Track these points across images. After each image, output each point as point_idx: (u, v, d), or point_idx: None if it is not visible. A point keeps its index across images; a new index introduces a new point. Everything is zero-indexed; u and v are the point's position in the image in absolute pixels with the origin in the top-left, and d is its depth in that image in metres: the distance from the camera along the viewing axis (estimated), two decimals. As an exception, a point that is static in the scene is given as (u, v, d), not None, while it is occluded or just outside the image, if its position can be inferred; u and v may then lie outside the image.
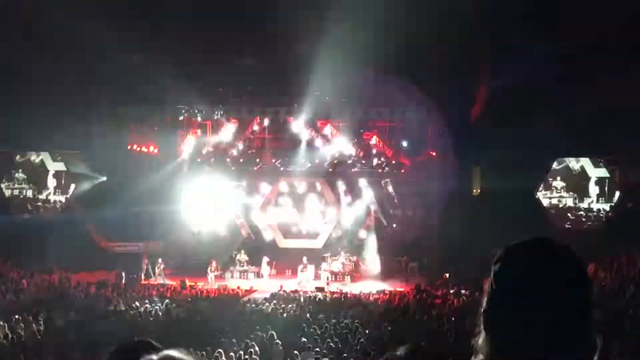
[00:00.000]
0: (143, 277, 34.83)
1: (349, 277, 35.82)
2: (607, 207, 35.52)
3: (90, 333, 17.15)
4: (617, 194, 34.98)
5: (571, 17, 31.04)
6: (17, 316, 19.61)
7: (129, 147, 37.40)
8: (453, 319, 20.58)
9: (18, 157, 37.52)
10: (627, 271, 25.85)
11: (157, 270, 35.32)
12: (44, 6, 30.97)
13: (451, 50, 33.56)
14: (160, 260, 35.67)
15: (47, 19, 31.64)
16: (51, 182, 38.03)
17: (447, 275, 32.89)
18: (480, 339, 2.02)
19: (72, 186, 37.92)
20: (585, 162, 36.17)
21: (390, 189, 39.12)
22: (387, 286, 33.14)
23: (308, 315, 22.01)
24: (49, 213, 37.72)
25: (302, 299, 27.16)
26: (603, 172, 35.64)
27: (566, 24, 31.36)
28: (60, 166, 38.45)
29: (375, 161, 38.90)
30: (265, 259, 36.36)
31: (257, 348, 15.22)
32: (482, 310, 2.02)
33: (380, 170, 38.75)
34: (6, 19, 31.51)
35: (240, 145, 39.38)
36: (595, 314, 1.96)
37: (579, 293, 1.94)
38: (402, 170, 38.47)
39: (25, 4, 32.29)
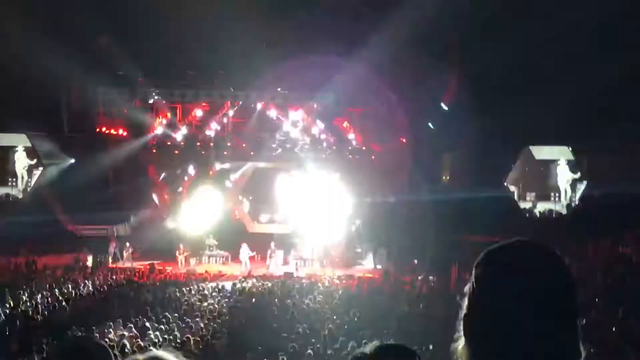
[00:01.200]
0: (111, 260, 34.65)
1: (317, 262, 35.87)
2: (573, 195, 35.77)
3: (56, 316, 17.08)
4: (584, 182, 35.25)
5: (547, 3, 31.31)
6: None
7: (97, 129, 37.05)
8: (421, 305, 20.74)
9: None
10: (593, 260, 26.15)
11: (125, 254, 35.16)
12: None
13: (424, 37, 33.61)
14: (127, 244, 35.51)
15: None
16: (20, 163, 37.43)
17: (416, 261, 33.03)
18: (460, 345, 1.98)
19: (40, 168, 37.39)
20: (553, 151, 36.35)
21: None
22: (355, 272, 33.24)
23: (276, 300, 22.06)
24: (15, 195, 37.26)
25: (270, 284, 27.17)
26: (571, 161, 35.85)
27: (542, 10, 31.62)
28: (26, 148, 37.86)
29: (346, 147, 38.87)
30: (244, 245, 36.06)
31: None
32: (462, 314, 1.98)
33: (350, 156, 38.75)
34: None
35: (211, 130, 39.12)
36: (579, 321, 1.91)
37: (564, 300, 1.89)
38: (373, 157, 38.51)
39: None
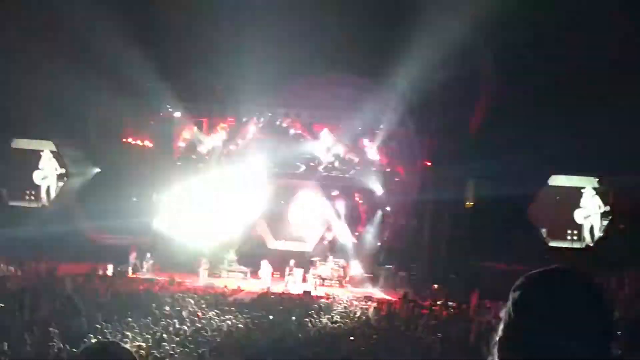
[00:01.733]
0: (131, 270, 34.71)
1: (337, 282, 35.77)
2: (599, 227, 35.41)
3: (75, 324, 17.13)
4: (610, 213, 34.92)
5: (575, 29, 31.17)
6: (2, 305, 19.58)
7: (123, 140, 37.30)
8: (440, 330, 20.58)
9: (14, 144, 37.15)
10: (615, 294, 25.86)
11: (145, 265, 35.24)
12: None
13: (449, 61, 33.60)
14: (148, 254, 35.59)
15: (48, 9, 31.74)
16: (45, 170, 37.61)
17: (436, 286, 32.85)
18: None
19: (64, 176, 37.59)
20: (580, 181, 36.05)
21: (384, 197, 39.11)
22: (374, 293, 33.11)
23: (294, 318, 21.98)
24: (39, 202, 37.51)
25: (288, 302, 27.09)
26: (598, 192, 35.47)
27: (569, 37, 31.51)
28: (53, 155, 37.98)
29: (369, 168, 38.79)
30: (265, 261, 36.10)
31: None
32: (497, 338, 1.96)
33: (374, 177, 38.66)
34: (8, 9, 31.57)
35: (235, 145, 39.21)
36: (617, 347, 1.89)
37: (602, 326, 1.88)
38: (396, 179, 38.41)
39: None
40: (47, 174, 37.47)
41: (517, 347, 1.89)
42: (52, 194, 37.78)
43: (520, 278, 1.98)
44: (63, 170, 37.02)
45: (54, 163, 37.16)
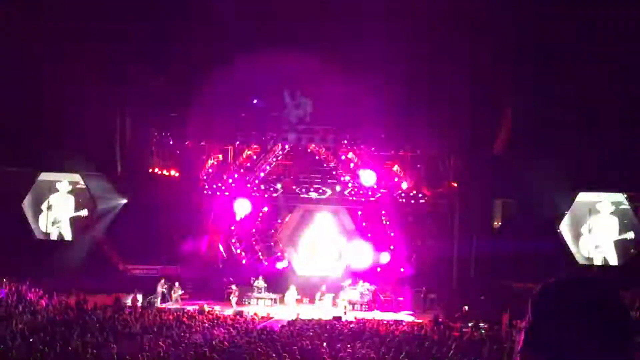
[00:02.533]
0: (159, 301, 34.79)
1: (366, 306, 35.64)
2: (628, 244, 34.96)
3: (106, 355, 17.16)
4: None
5: (595, 47, 31.10)
6: (34, 337, 19.68)
7: (150, 170, 37.54)
8: (472, 352, 20.39)
9: (40, 177, 37.31)
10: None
11: (174, 295, 35.32)
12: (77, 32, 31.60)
13: (474, 81, 33.62)
14: (177, 284, 35.69)
15: (74, 41, 32.20)
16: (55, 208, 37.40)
17: (466, 308, 32.62)
18: None
19: (90, 207, 37.65)
20: (608, 197, 35.67)
21: (411, 219, 39.05)
22: (404, 317, 32.94)
23: (324, 344, 21.88)
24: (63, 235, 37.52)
25: (318, 328, 27.00)
26: (624, 207, 34.99)
27: (590, 54, 31.43)
28: (78, 187, 37.95)
29: (396, 191, 38.71)
30: (292, 287, 36.24)
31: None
32: (518, 348, 1.97)
33: (400, 200, 38.58)
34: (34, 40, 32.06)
35: (262, 172, 39.37)
36: (635, 349, 1.91)
37: (621, 333, 1.88)
38: (423, 201, 38.31)
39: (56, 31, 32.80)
40: (59, 212, 37.15)
41: (537, 353, 1.89)
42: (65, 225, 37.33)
43: (538, 286, 1.99)
44: (90, 202, 37.01)
45: (72, 191, 37.00)
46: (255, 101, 37.83)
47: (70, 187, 36.96)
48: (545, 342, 1.89)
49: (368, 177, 38.47)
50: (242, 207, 39.12)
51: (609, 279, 30.10)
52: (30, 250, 34.32)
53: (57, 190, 36.84)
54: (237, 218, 39.38)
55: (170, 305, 34.34)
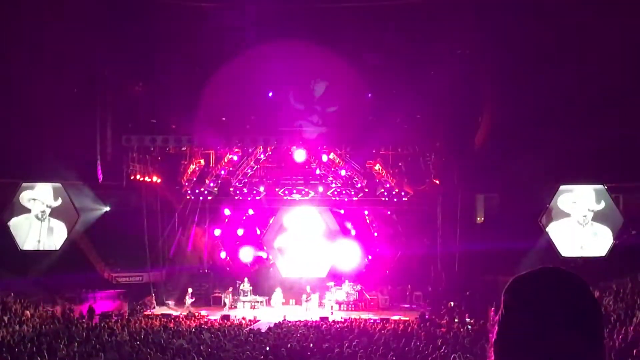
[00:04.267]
0: (155, 305, 34.85)
1: (353, 306, 35.72)
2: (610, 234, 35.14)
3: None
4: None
5: (576, 43, 31.33)
6: (20, 348, 19.59)
7: (132, 177, 37.39)
8: (459, 347, 20.48)
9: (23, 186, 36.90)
10: (631, 298, 25.75)
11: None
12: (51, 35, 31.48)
13: (454, 76, 33.74)
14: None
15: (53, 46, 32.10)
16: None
17: (452, 304, 32.76)
18: None
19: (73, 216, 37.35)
20: (589, 189, 35.85)
21: (394, 217, 39.17)
22: (391, 315, 33.03)
23: (312, 345, 21.93)
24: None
25: (305, 329, 27.05)
26: (606, 199, 35.14)
27: (572, 50, 31.65)
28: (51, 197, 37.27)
29: (378, 189, 38.76)
30: (278, 289, 36.42)
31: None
32: (492, 340, 2.01)
33: (383, 199, 38.65)
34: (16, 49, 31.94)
35: (243, 176, 39.31)
36: (606, 344, 1.95)
37: (590, 322, 1.92)
38: (406, 199, 38.40)
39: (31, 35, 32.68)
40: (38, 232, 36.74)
41: (510, 345, 1.94)
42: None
43: (510, 280, 2.03)
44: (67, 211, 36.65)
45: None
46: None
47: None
48: (517, 334, 1.92)
49: (350, 177, 38.55)
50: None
51: (580, 271, 30.42)
52: (14, 261, 34.08)
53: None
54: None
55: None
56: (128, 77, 36.70)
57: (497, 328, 2.01)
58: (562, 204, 34.62)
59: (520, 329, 1.92)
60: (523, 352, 1.89)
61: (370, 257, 39.23)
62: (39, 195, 35.82)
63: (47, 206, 35.79)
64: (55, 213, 35.82)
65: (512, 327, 1.95)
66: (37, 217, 35.83)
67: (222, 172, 38.91)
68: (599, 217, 34.26)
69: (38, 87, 32.39)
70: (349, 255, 38.92)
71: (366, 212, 39.90)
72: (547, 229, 34.21)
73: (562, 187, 34.57)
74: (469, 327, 26.98)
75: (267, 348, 21.05)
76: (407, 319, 31.11)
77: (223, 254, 39.92)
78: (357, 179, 38.56)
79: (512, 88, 33.52)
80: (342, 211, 40.03)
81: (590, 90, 31.23)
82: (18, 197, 35.57)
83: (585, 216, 34.46)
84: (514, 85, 33.44)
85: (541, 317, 1.89)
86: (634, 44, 30.35)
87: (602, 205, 34.20)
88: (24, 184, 35.52)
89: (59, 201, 35.77)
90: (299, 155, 37.91)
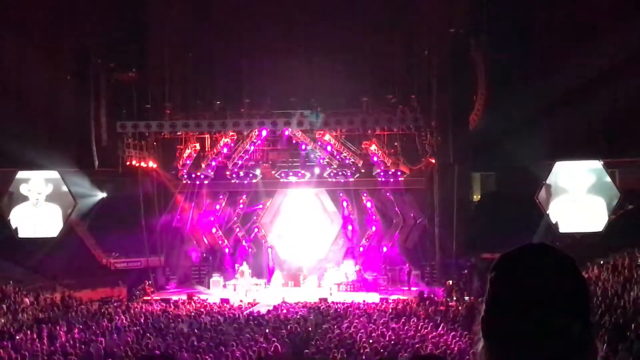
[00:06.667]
0: (147, 291, 34.82)
1: (352, 286, 35.76)
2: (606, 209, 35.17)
3: (94, 350, 17.16)
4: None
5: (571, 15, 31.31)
6: (20, 335, 19.63)
7: (127, 162, 37.30)
8: (457, 325, 20.58)
9: (19, 175, 36.73)
10: (629, 273, 25.83)
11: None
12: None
13: (448, 56, 33.69)
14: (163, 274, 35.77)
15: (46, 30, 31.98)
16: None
17: (450, 282, 32.86)
18: (480, 346, 2.01)
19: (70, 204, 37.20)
20: (585, 165, 35.83)
21: (391, 197, 39.16)
22: (390, 295, 33.09)
23: (311, 327, 21.99)
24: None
25: (305, 310, 27.09)
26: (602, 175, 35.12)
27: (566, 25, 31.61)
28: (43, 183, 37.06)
29: (374, 170, 38.74)
30: (277, 271, 36.49)
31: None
32: (480, 317, 2.02)
33: (380, 180, 38.63)
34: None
35: (240, 159, 39.23)
36: (593, 319, 1.96)
37: (577, 298, 1.92)
38: (402, 178, 38.38)
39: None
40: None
41: (497, 323, 1.94)
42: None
43: (498, 257, 2.04)
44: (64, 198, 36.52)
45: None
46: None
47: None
48: (503, 311, 1.93)
49: (346, 157, 38.54)
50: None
51: (578, 246, 30.50)
52: (13, 249, 34.09)
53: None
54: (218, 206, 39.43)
55: (156, 296, 34.36)
56: (120, 63, 36.64)
57: (484, 305, 2.01)
58: (559, 181, 34.68)
59: (506, 306, 1.92)
60: (509, 329, 1.90)
61: (368, 238, 39.22)
62: (33, 187, 35.83)
63: (40, 194, 35.82)
64: (50, 198, 35.82)
65: (498, 304, 1.95)
66: (32, 204, 35.86)
67: (218, 156, 38.86)
68: (595, 191, 34.33)
69: (31, 75, 32.32)
70: (347, 235, 39.02)
71: (364, 196, 39.82)
72: (544, 206, 34.28)
73: (557, 164, 34.61)
74: (467, 304, 27.04)
75: (267, 330, 21.10)
76: (405, 298, 31.18)
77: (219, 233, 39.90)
78: (353, 160, 38.52)
79: (507, 66, 33.52)
80: (340, 193, 39.91)
81: (584, 66, 31.23)
82: (15, 186, 35.55)
83: (580, 193, 34.57)
84: (509, 63, 33.44)
85: (527, 294, 1.89)
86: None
87: (599, 181, 34.25)
88: (17, 177, 35.52)
89: (50, 187, 35.77)
90: (295, 137, 38.01)
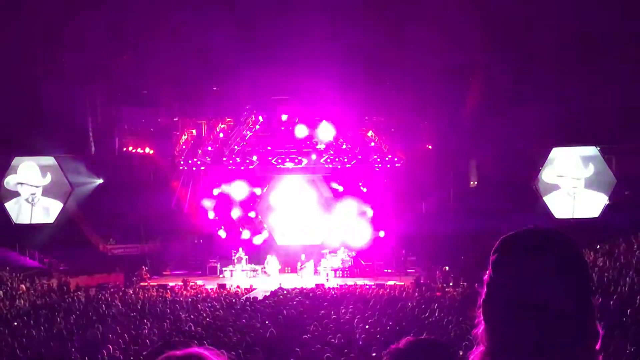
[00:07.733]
0: (144, 277, 34.84)
1: (348, 272, 35.81)
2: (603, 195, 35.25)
3: (91, 336, 17.16)
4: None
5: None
6: (17, 321, 19.65)
7: (124, 148, 37.29)
8: (453, 311, 20.60)
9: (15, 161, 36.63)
10: (625, 258, 25.88)
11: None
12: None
13: (445, 41, 33.64)
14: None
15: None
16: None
17: (447, 268, 32.89)
18: (481, 329, 2.01)
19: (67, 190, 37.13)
20: (582, 151, 35.87)
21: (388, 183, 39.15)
22: (386, 280, 33.14)
23: (306, 313, 22.01)
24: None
25: (301, 296, 27.12)
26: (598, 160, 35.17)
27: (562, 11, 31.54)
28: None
29: (372, 156, 38.74)
30: (273, 257, 36.46)
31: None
32: (481, 300, 2.02)
33: (377, 166, 38.64)
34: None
35: (237, 145, 39.21)
36: (594, 301, 1.96)
37: (577, 280, 1.92)
38: (399, 165, 38.38)
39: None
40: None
41: (497, 306, 1.94)
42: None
43: (499, 240, 2.04)
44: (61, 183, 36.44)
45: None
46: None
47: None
48: (504, 293, 1.93)
49: (343, 144, 38.50)
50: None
51: (574, 231, 30.55)
52: (10, 236, 34.09)
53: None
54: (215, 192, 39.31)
55: (154, 281, 34.38)
56: (115, 48, 36.54)
57: (485, 288, 2.01)
58: (547, 177, 34.72)
59: (507, 288, 1.92)
60: (510, 311, 1.90)
61: (364, 222, 39.23)
62: (25, 178, 35.58)
63: (35, 187, 35.65)
64: (46, 192, 35.67)
65: (499, 287, 1.95)
66: (27, 200, 35.70)
67: (215, 142, 38.82)
68: (590, 183, 34.38)
69: (25, 61, 32.23)
70: (344, 222, 39.04)
71: (361, 183, 39.79)
72: (540, 191, 34.35)
73: (554, 150, 34.66)
74: (463, 290, 27.11)
75: (264, 316, 21.12)
76: (402, 284, 31.23)
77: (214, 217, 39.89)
78: (349, 146, 38.51)
79: (503, 53, 33.47)
80: (340, 188, 39.74)
81: (588, 48, 31.23)
82: (4, 181, 35.36)
83: (575, 187, 34.60)
84: (505, 49, 33.38)
85: (528, 276, 1.89)
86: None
87: (592, 170, 34.30)
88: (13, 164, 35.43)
89: (48, 178, 35.61)
90: (300, 130, 37.95)
